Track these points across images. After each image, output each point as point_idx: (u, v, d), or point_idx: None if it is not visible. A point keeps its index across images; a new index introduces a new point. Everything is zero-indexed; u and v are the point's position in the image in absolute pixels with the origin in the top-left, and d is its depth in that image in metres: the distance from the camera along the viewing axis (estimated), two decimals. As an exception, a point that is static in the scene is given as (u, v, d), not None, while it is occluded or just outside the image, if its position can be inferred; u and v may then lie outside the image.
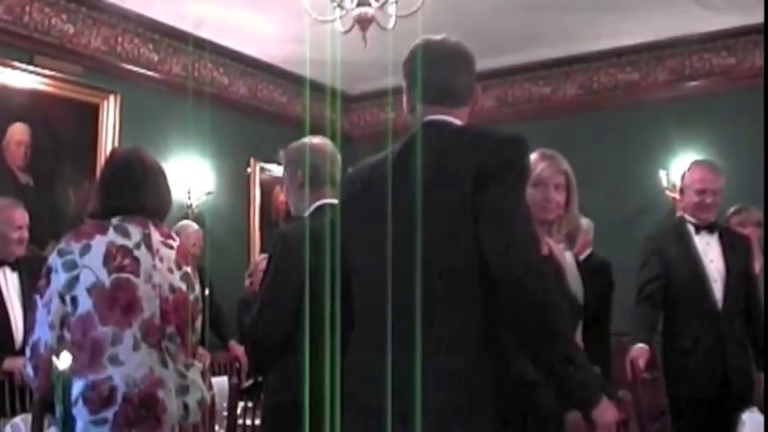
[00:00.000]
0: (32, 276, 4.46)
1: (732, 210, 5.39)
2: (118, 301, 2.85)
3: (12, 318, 4.69)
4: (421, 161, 2.36)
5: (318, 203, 3.39)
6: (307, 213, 3.40)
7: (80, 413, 2.75)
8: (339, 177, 3.48)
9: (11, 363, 4.39)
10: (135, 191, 3.05)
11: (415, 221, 2.29)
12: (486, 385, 2.22)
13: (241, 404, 3.55)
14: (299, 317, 3.14)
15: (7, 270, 4.74)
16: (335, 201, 3.40)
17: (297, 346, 3.14)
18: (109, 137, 6.85)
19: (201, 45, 7.64)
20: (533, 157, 3.19)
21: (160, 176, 3.17)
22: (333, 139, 3.58)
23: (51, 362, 1.80)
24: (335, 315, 3.07)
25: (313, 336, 3.17)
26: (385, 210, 2.35)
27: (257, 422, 3.65)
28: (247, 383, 3.44)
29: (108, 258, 2.88)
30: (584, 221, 4.90)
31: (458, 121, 2.48)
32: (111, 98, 6.93)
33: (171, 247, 3.09)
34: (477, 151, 2.31)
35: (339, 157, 3.51)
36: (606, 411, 2.19)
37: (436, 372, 2.22)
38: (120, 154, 3.34)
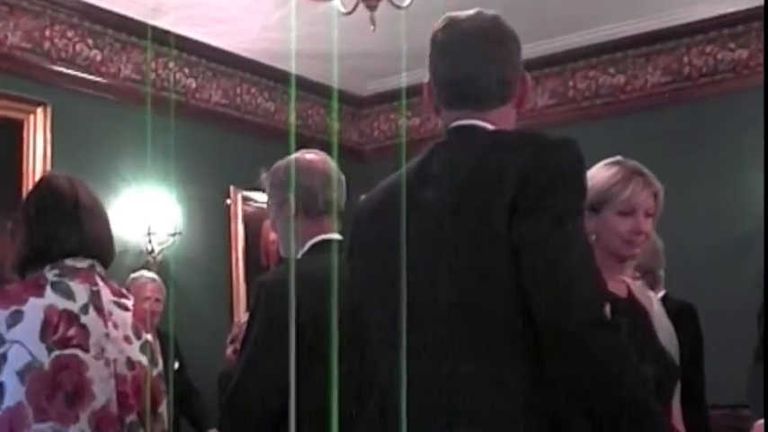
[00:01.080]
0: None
1: None
2: (61, 386, 2.85)
3: None
4: (441, 183, 2.38)
5: (315, 240, 3.39)
6: (300, 254, 3.39)
7: None
8: (343, 204, 3.48)
9: None
10: (70, 224, 3.06)
11: (433, 269, 2.32)
12: None
13: None
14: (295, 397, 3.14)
15: None
16: (338, 236, 3.44)
17: (288, 427, 3.14)
18: (38, 161, 6.89)
19: (160, 38, 7.69)
20: (613, 171, 3.20)
21: (98, 208, 3.21)
22: (336, 155, 3.58)
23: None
24: (339, 385, 3.10)
25: (311, 410, 3.18)
26: (398, 251, 2.35)
27: None
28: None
29: (47, 329, 2.87)
30: (655, 242, 4.88)
31: (491, 127, 2.47)
32: (39, 111, 6.97)
33: (126, 308, 3.11)
34: (513, 164, 2.28)
35: (343, 177, 3.51)
36: None
37: None
38: (46, 183, 3.34)
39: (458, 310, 2.27)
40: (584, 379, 2.17)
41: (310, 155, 3.52)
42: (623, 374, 2.17)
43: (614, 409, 2.17)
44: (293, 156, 3.52)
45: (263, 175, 3.56)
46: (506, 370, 2.24)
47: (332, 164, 3.51)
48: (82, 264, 3.05)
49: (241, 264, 8.40)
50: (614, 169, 3.22)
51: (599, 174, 3.23)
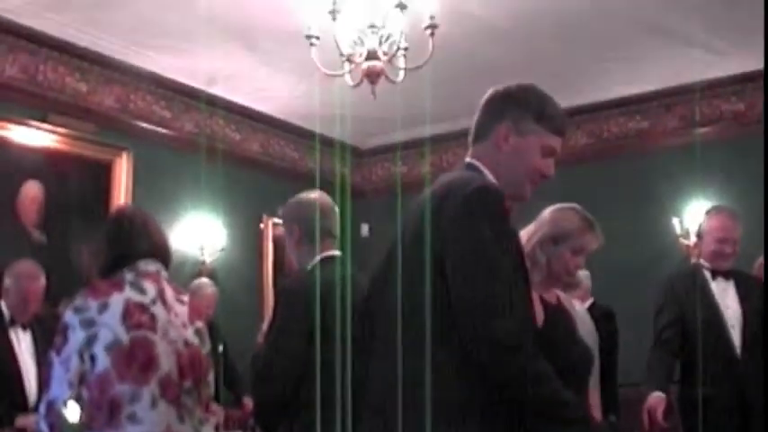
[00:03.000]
0: (45, 334, 4.55)
1: (757, 263, 5.41)
2: (136, 358, 2.87)
3: (24, 376, 4.75)
4: (415, 215, 2.28)
5: (323, 255, 3.40)
6: (310, 266, 3.40)
7: (99, 470, 2.78)
8: (338, 230, 3.51)
9: (24, 420, 4.43)
10: (140, 236, 3.09)
11: (409, 285, 2.20)
12: None
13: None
14: (307, 372, 3.15)
15: (19, 329, 4.81)
16: (338, 252, 3.46)
17: (304, 404, 3.15)
18: (122, 194, 6.93)
19: (213, 102, 7.75)
20: (578, 218, 3.21)
21: (159, 226, 3.24)
22: (343, 193, 3.61)
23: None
24: (346, 368, 3.09)
25: (322, 388, 3.18)
26: (395, 267, 2.26)
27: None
28: (260, 439, 3.43)
29: (126, 316, 2.90)
30: (582, 272, 4.92)
31: (475, 162, 2.38)
32: (124, 155, 7.02)
33: (183, 303, 3.13)
34: (446, 203, 2.18)
35: (336, 209, 3.54)
36: None
37: None
38: (118, 210, 3.43)
39: (411, 321, 2.16)
40: (503, 384, 2.08)
41: (312, 194, 3.55)
42: (536, 395, 2.08)
43: (529, 403, 2.09)
44: (301, 195, 3.57)
45: (279, 211, 3.62)
46: (446, 368, 2.11)
47: (327, 199, 3.54)
48: (151, 267, 3.07)
49: (270, 273, 8.42)
50: (579, 216, 3.24)
51: (567, 216, 3.25)
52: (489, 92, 2.45)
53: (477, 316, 2.07)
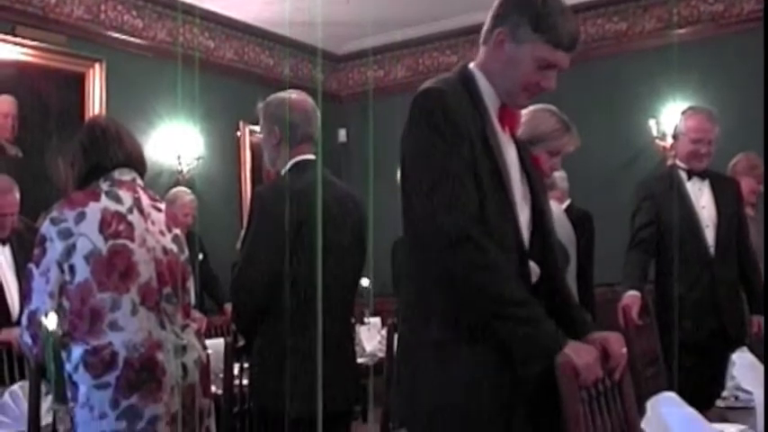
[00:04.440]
0: (24, 248, 4.55)
1: (734, 161, 5.47)
2: (115, 267, 2.88)
3: (6, 290, 4.76)
4: None
5: (296, 160, 3.34)
6: (284, 171, 3.35)
7: (82, 378, 2.81)
8: (318, 136, 3.42)
9: (7, 333, 4.46)
10: (114, 145, 3.07)
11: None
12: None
13: (237, 364, 3.59)
14: (284, 277, 3.16)
15: (-2, 244, 4.81)
16: (313, 156, 3.39)
17: (281, 309, 3.17)
18: (96, 105, 6.88)
19: (187, 10, 7.63)
20: (554, 120, 3.21)
21: (132, 136, 3.22)
22: (319, 99, 3.54)
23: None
24: (319, 274, 3.13)
25: (299, 296, 3.20)
26: None
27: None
28: (242, 343, 3.47)
29: (103, 225, 2.90)
30: (558, 174, 4.93)
31: (471, 66, 2.34)
32: (97, 66, 6.95)
33: (160, 210, 3.13)
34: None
35: (318, 113, 3.44)
36: (579, 353, 2.03)
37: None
38: (91, 120, 3.44)
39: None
40: (449, 281, 2.10)
41: (295, 94, 3.45)
42: (481, 288, 2.06)
43: (472, 299, 2.10)
44: (284, 94, 3.45)
45: (258, 106, 3.50)
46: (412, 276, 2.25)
47: (311, 102, 3.45)
48: (126, 176, 3.07)
49: (248, 179, 8.42)
50: (555, 118, 3.23)
51: (544, 118, 3.24)
52: None
53: (423, 213, 2.11)
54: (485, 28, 2.34)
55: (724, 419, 2.73)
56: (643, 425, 2.06)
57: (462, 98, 2.23)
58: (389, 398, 3.84)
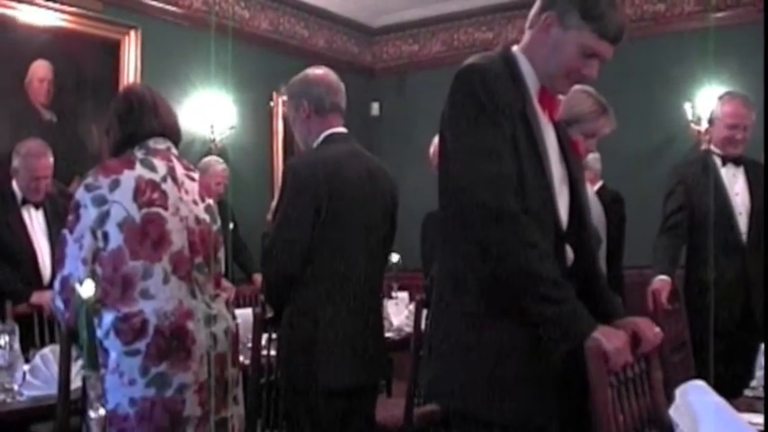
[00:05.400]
0: (57, 212, 4.60)
1: None
2: (148, 235, 2.90)
3: (39, 254, 4.82)
4: None
5: (327, 133, 3.37)
6: (315, 144, 3.38)
7: (112, 344, 2.84)
8: (344, 106, 3.46)
9: (39, 297, 4.51)
10: (149, 114, 3.09)
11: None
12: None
13: (265, 335, 3.61)
14: (312, 250, 3.19)
15: (32, 208, 4.86)
16: (344, 129, 3.43)
17: (311, 281, 3.20)
18: (130, 72, 6.87)
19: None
20: (590, 102, 3.19)
21: (168, 104, 3.23)
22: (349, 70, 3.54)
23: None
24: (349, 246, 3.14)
25: (329, 269, 3.23)
26: None
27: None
28: (270, 314, 3.49)
29: (138, 193, 2.92)
30: (592, 155, 4.91)
31: (514, 48, 2.35)
32: (132, 33, 6.93)
33: (193, 180, 3.15)
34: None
35: (342, 86, 3.47)
36: (609, 337, 2.01)
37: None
38: (127, 88, 3.43)
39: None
40: (483, 257, 2.11)
41: (318, 70, 3.48)
42: (515, 264, 2.08)
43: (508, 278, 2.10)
44: (307, 70, 3.50)
45: (283, 88, 3.53)
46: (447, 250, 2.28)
47: (334, 75, 3.48)
48: (161, 145, 3.09)
49: (280, 151, 8.36)
50: (592, 99, 3.21)
51: (581, 99, 3.22)
52: None
53: (464, 187, 2.12)
54: (532, 12, 2.34)
55: (752, 409, 2.71)
56: (671, 412, 2.04)
57: (504, 77, 2.23)
58: (417, 372, 3.84)
